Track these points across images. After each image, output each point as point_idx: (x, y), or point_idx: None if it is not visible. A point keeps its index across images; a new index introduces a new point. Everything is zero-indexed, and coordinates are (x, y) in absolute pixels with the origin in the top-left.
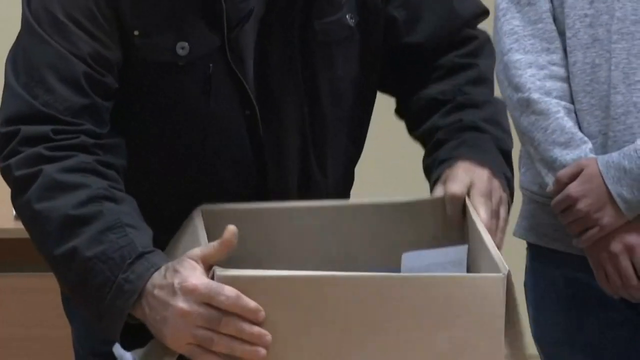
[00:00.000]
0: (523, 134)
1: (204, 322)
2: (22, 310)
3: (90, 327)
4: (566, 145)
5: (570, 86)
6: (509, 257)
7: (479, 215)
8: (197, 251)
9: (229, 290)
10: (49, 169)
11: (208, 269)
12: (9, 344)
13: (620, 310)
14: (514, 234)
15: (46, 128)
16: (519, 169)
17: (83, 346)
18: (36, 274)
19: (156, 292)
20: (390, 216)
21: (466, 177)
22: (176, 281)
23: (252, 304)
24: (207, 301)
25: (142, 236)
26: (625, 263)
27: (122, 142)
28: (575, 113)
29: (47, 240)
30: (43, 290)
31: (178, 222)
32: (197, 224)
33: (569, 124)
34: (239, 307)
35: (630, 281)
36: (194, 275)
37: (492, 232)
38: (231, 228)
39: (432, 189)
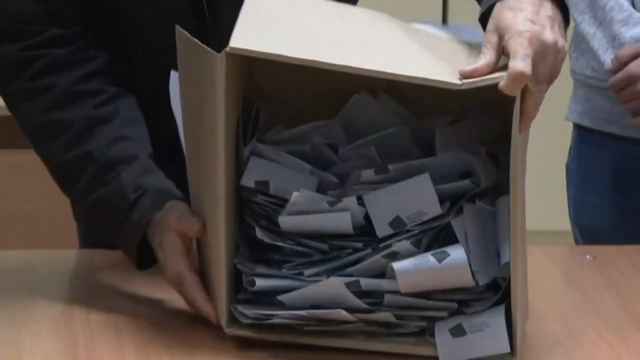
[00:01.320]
0: (580, 14)
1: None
2: (15, 186)
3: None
4: (625, 22)
5: None
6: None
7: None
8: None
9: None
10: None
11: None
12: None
13: None
14: (567, 119)
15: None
16: (570, 54)
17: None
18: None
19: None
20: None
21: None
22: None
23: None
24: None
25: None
26: None
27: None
28: None
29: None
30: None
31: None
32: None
33: (626, 2)
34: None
35: None
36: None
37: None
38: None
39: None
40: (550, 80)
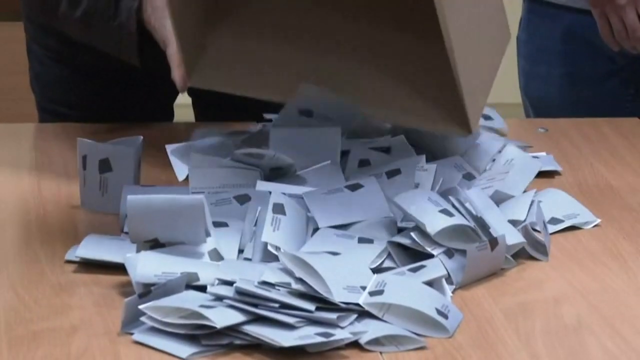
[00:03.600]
0: None
1: None
2: None
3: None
4: None
5: None
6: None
7: None
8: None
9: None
10: None
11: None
12: None
13: (616, 62)
14: None
15: None
16: None
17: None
18: None
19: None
20: None
21: None
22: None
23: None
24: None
25: None
26: (632, 15)
27: None
28: None
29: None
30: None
31: None
32: None
33: None
34: None
35: (636, 32)
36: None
37: None
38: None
39: None
40: None
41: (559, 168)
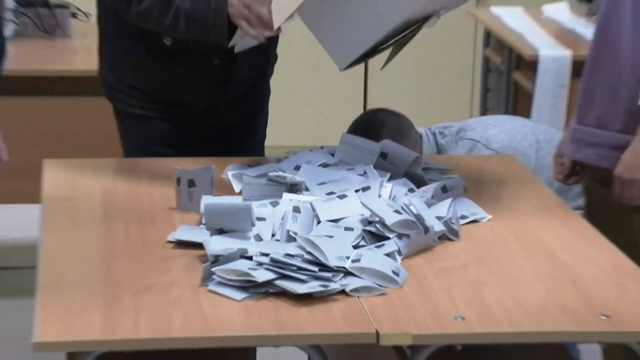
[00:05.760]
0: None
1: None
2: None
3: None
4: None
5: None
6: None
7: None
8: None
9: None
10: None
11: None
12: None
13: None
14: None
15: None
16: None
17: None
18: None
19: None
20: None
21: None
22: None
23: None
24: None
25: None
26: None
27: None
28: None
29: (160, 17)
30: None
31: None
32: None
33: None
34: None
35: None
36: None
37: None
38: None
39: None
40: None
41: (465, 184)
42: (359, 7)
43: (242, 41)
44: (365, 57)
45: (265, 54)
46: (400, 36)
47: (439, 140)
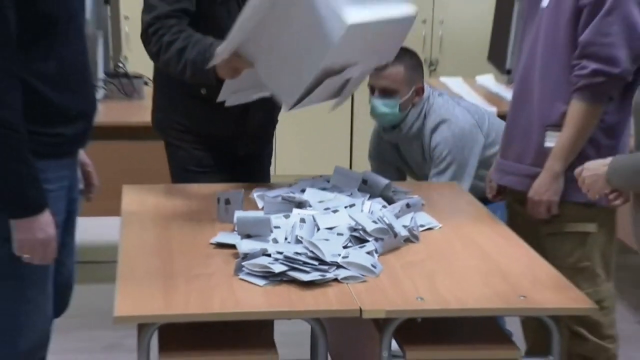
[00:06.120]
0: None
1: None
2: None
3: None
4: None
5: None
6: None
7: None
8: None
9: None
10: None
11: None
12: None
13: None
14: None
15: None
16: None
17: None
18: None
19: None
20: None
21: None
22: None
23: None
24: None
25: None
26: None
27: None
28: None
29: (175, 66)
30: None
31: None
32: None
33: None
34: None
35: None
36: None
37: None
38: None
39: None
40: None
41: (423, 202)
42: (289, 48)
43: (232, 97)
44: (314, 99)
45: (272, 104)
46: (342, 83)
47: (436, 99)
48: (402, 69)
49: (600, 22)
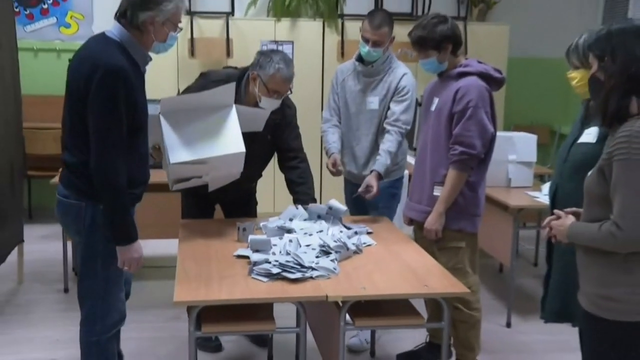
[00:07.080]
0: None
1: None
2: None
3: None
4: None
5: None
6: None
7: None
8: None
9: None
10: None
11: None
12: None
13: None
14: None
15: None
16: None
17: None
18: None
19: None
20: None
21: None
22: None
23: None
24: None
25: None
26: None
27: None
28: None
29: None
30: None
31: None
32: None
33: None
34: None
35: None
36: None
37: None
38: None
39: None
40: None
41: (367, 229)
42: (204, 128)
43: (179, 185)
44: (190, 179)
45: (257, 170)
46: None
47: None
48: (387, 29)
49: (464, 123)
